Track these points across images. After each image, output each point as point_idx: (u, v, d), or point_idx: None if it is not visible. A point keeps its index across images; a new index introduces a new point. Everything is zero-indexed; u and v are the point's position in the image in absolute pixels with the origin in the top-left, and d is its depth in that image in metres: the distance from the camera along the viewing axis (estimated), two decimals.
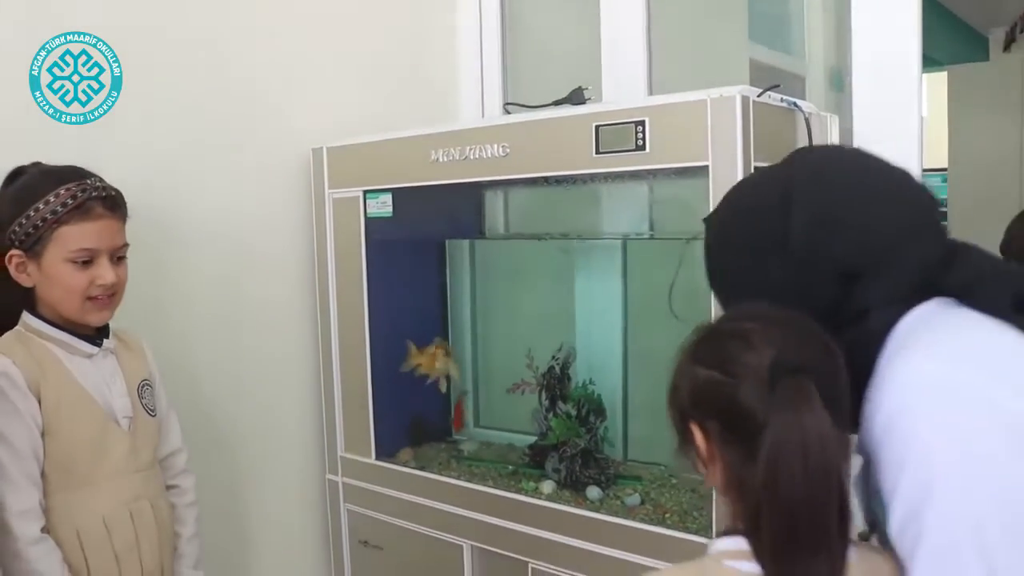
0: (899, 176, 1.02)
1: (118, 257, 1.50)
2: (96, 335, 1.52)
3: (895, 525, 0.86)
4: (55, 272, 1.43)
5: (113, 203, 1.49)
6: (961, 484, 0.82)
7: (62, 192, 1.43)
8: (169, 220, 1.94)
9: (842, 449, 0.87)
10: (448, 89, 2.60)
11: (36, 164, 1.52)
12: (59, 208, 1.42)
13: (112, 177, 1.53)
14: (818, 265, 0.97)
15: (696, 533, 1.57)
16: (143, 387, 1.59)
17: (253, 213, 2.12)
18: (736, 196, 1.10)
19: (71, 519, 1.43)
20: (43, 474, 1.41)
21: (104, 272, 1.46)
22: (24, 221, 1.42)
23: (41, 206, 1.42)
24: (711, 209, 1.47)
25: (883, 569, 0.93)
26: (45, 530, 1.39)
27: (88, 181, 1.46)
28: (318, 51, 2.26)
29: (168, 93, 1.93)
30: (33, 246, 1.43)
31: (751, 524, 0.89)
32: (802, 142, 1.67)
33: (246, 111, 2.09)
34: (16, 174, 1.51)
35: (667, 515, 1.69)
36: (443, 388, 2.22)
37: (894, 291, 0.95)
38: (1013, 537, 0.80)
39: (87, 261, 1.44)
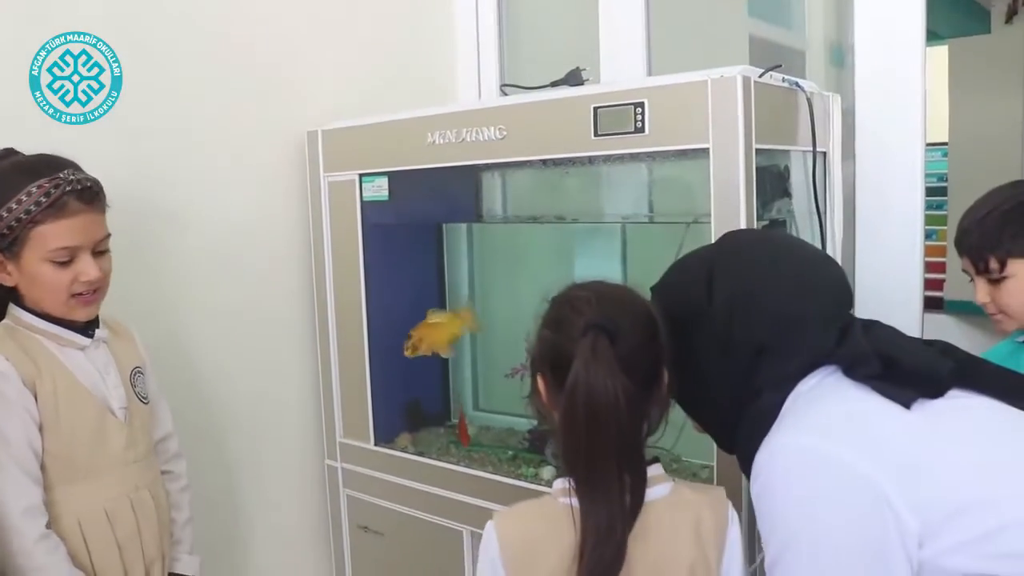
0: (814, 261, 1.16)
1: (99, 251, 1.45)
2: (86, 326, 1.49)
3: (767, 566, 1.00)
4: (35, 272, 1.39)
5: (90, 195, 1.42)
6: (809, 544, 0.94)
7: (34, 190, 1.36)
8: (166, 207, 1.92)
9: (630, 397, 1.02)
10: (445, 70, 2.56)
11: (9, 151, 1.46)
12: (32, 207, 1.36)
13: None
14: (734, 341, 1.08)
15: None
16: (135, 375, 1.57)
17: (248, 198, 2.10)
18: (672, 273, 1.22)
19: (73, 511, 1.43)
20: (43, 468, 1.40)
21: (86, 268, 1.41)
22: None
23: (14, 206, 1.36)
24: (711, 191, 1.47)
25: (695, 502, 1.12)
26: (49, 526, 1.38)
27: (61, 175, 1.38)
28: (313, 32, 2.22)
29: (164, 80, 1.90)
30: (10, 247, 1.38)
31: (564, 458, 1.07)
32: (804, 123, 1.65)
33: (242, 96, 2.06)
34: None
35: None
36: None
37: (790, 371, 1.07)
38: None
39: (67, 260, 1.40)
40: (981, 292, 1.50)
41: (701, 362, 1.12)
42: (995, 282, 1.47)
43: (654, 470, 1.12)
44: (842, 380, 1.04)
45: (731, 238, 1.23)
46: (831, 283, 1.13)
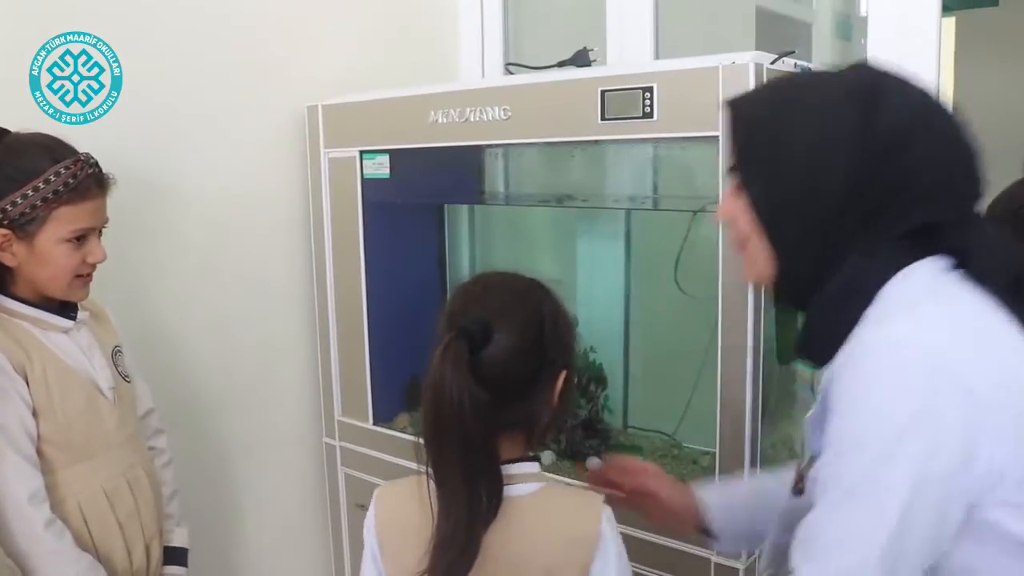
0: (958, 120, 0.95)
1: (100, 233, 1.47)
2: (67, 309, 1.48)
3: (823, 460, 0.88)
4: (49, 252, 1.39)
5: (104, 181, 1.44)
6: (878, 451, 0.82)
7: (62, 171, 1.37)
8: (166, 188, 1.90)
9: (479, 403, 1.01)
10: (447, 46, 2.51)
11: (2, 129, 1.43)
12: (60, 188, 1.36)
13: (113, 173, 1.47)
14: (875, 178, 0.90)
15: None
16: (116, 354, 1.57)
17: (247, 173, 2.07)
18: (788, 92, 1.00)
19: (73, 494, 1.43)
20: (40, 453, 1.39)
21: (95, 249, 1.44)
22: (19, 200, 1.35)
23: (41, 185, 1.35)
24: (719, 180, 1.43)
25: (561, 506, 1.11)
26: (52, 510, 1.39)
27: (82, 157, 1.41)
28: (314, 5, 2.17)
29: (163, 70, 1.88)
30: (26, 225, 1.37)
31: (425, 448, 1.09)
32: None
33: (243, 67, 2.03)
34: None
35: None
36: None
37: (905, 231, 0.91)
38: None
39: (80, 239, 1.41)
40: None
41: (820, 201, 0.92)
42: None
43: (524, 467, 1.11)
44: (960, 283, 0.90)
45: (878, 63, 1.00)
46: (974, 146, 0.94)
